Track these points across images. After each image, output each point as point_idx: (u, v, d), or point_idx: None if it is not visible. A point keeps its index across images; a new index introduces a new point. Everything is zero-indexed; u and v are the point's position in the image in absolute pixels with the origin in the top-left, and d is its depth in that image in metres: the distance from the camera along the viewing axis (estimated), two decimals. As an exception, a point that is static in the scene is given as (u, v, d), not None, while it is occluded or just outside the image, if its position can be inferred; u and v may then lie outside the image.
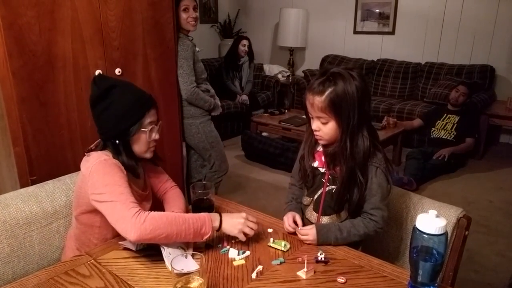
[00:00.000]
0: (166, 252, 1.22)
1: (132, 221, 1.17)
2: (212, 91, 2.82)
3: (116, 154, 1.34)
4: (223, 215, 1.32)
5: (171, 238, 1.21)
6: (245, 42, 4.92)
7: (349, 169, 1.33)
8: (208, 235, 1.26)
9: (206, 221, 1.26)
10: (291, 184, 1.60)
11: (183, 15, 2.55)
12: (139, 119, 1.34)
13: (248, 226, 1.31)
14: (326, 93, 1.27)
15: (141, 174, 1.47)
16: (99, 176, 1.26)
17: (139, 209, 1.21)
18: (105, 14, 2.02)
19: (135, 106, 1.33)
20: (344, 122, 1.30)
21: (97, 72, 2.02)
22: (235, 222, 1.30)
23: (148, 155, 1.42)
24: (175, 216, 1.23)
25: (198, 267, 1.11)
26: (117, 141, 1.34)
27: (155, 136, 1.40)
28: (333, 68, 1.32)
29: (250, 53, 5.02)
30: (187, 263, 1.14)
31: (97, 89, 1.33)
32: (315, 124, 1.35)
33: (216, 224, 1.29)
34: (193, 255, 1.15)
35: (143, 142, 1.37)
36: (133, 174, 1.39)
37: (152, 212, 1.22)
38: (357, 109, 1.29)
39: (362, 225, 1.36)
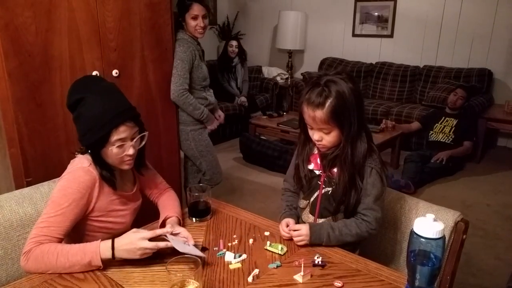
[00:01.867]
0: (170, 238, 1.23)
1: (21, 258, 1.20)
2: (212, 99, 2.74)
3: (94, 163, 1.33)
4: (116, 241, 1.19)
5: (59, 272, 1.17)
6: (232, 42, 4.92)
7: (350, 174, 1.33)
8: (101, 266, 1.18)
9: (93, 256, 1.16)
10: (285, 189, 1.59)
11: (192, 23, 2.52)
12: (103, 136, 1.27)
13: (147, 247, 1.18)
14: (327, 104, 1.26)
15: (127, 173, 1.45)
16: (61, 185, 1.28)
17: (35, 246, 1.19)
18: (103, 15, 2.01)
19: (99, 122, 1.25)
20: (346, 128, 1.29)
21: (95, 73, 2.01)
22: (130, 249, 1.17)
23: (125, 167, 1.35)
24: (60, 253, 1.17)
25: (202, 254, 1.22)
26: (89, 151, 1.32)
27: (128, 151, 1.31)
28: (323, 76, 1.30)
29: (241, 53, 5.01)
30: (191, 249, 1.23)
31: (68, 100, 1.30)
32: (317, 135, 1.33)
33: (107, 255, 1.17)
34: (188, 259, 1.14)
35: (112, 157, 1.31)
36: (110, 185, 1.35)
37: (40, 248, 1.18)
38: (356, 112, 1.29)
39: (355, 225, 1.35)
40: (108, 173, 1.33)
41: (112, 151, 1.29)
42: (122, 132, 1.28)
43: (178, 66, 2.48)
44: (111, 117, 1.26)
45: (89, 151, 1.32)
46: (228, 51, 4.90)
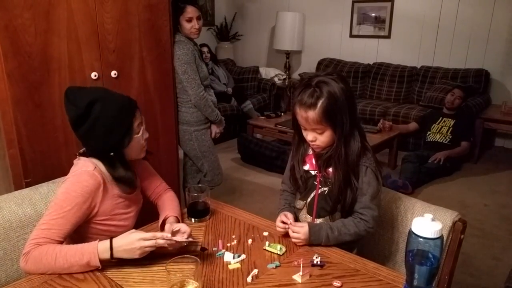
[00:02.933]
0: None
1: (21, 259, 1.20)
2: (213, 99, 2.77)
3: (112, 169, 1.32)
4: (114, 242, 1.18)
5: (58, 272, 1.18)
6: (204, 49, 5.04)
7: (344, 173, 1.34)
8: (100, 266, 1.18)
9: (91, 257, 1.17)
10: (283, 190, 1.60)
11: (187, 25, 2.53)
12: (130, 127, 1.31)
13: (146, 246, 1.18)
14: (318, 105, 1.27)
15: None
16: (64, 188, 1.28)
17: (34, 247, 1.19)
18: (101, 16, 2.01)
19: (122, 115, 1.29)
20: (338, 128, 1.31)
21: (93, 73, 2.02)
22: (130, 249, 1.17)
23: (143, 154, 1.43)
24: (59, 254, 1.17)
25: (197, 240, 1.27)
26: (111, 154, 1.31)
27: (146, 135, 1.40)
28: (314, 77, 1.32)
29: (214, 57, 5.19)
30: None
31: (76, 108, 1.25)
32: (311, 135, 1.35)
33: (105, 256, 1.17)
34: (187, 259, 1.15)
35: (138, 146, 1.37)
36: (130, 186, 1.38)
37: (39, 249, 1.18)
38: (348, 112, 1.30)
39: (353, 225, 1.36)
40: (129, 172, 1.36)
41: (138, 139, 1.34)
42: (138, 117, 1.35)
43: (188, 70, 2.50)
44: (129, 105, 1.33)
45: (111, 153, 1.31)
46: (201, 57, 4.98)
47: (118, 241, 1.19)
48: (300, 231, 1.33)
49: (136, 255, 1.18)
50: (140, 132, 1.36)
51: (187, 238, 1.27)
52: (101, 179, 1.31)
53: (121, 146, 1.32)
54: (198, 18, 2.56)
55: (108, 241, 1.19)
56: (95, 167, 1.31)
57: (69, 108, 1.27)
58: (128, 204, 1.42)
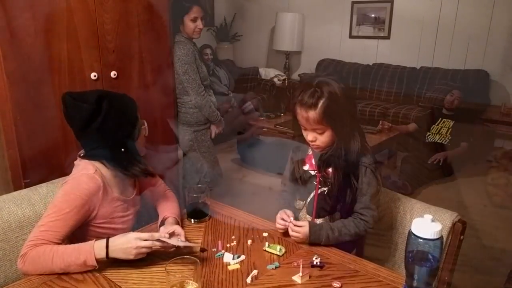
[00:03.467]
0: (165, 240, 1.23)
1: (18, 261, 1.20)
2: (213, 99, 2.77)
3: (126, 167, 1.32)
4: (111, 241, 1.19)
5: (56, 272, 1.18)
6: (207, 51, 5.04)
7: (344, 174, 1.34)
8: (96, 265, 1.18)
9: (87, 256, 1.17)
10: (282, 190, 1.60)
11: (191, 25, 2.54)
12: (137, 119, 1.35)
13: (143, 246, 1.18)
14: (319, 105, 1.28)
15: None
16: (64, 190, 1.28)
17: (32, 248, 1.19)
18: (101, 17, 2.01)
19: (128, 108, 1.33)
20: (338, 128, 1.31)
21: (93, 74, 2.01)
22: (126, 248, 1.17)
23: (144, 151, 1.43)
24: (56, 254, 1.17)
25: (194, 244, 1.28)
26: (122, 149, 1.31)
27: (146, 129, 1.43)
28: (315, 77, 1.32)
29: (215, 58, 5.21)
30: (186, 243, 1.26)
31: (88, 105, 1.25)
32: (311, 135, 1.35)
33: (101, 255, 1.17)
34: (187, 260, 1.14)
35: (143, 140, 1.39)
36: (151, 175, 1.43)
37: (36, 249, 1.18)
38: (348, 112, 1.31)
39: (353, 225, 1.37)
40: (144, 165, 1.38)
41: (144, 131, 1.37)
42: (139, 110, 1.38)
43: (188, 70, 2.50)
44: (131, 98, 1.36)
45: (122, 149, 1.32)
46: (203, 59, 4.97)
47: (115, 240, 1.19)
48: (300, 231, 1.33)
49: (131, 255, 1.17)
50: (145, 124, 1.38)
51: (184, 241, 1.27)
52: (101, 182, 1.31)
53: (132, 138, 1.33)
54: (202, 18, 2.57)
55: (104, 240, 1.19)
56: (96, 170, 1.31)
57: (80, 107, 1.25)
58: (126, 207, 1.42)
